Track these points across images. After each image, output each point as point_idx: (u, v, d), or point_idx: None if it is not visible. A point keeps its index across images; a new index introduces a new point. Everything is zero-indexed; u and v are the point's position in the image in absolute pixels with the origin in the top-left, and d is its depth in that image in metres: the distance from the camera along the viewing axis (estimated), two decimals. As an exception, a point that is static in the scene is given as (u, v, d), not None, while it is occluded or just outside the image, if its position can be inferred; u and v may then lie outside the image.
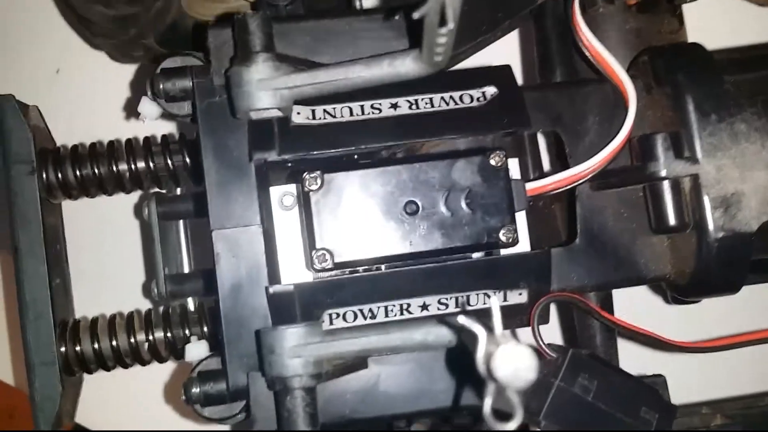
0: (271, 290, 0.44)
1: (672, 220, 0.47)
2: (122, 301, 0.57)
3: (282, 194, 0.47)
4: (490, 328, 0.31)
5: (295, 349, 0.41)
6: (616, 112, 0.49)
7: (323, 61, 0.46)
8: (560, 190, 0.48)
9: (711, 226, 0.46)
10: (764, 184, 0.46)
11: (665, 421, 0.43)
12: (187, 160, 0.53)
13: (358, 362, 0.44)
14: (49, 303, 0.50)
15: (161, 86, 0.46)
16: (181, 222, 0.56)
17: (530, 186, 0.47)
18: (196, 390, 0.45)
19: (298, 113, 0.45)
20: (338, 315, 0.44)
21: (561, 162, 0.51)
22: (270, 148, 0.45)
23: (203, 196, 0.46)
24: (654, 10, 0.54)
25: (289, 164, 0.46)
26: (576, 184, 0.48)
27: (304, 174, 0.44)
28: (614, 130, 0.48)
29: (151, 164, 0.53)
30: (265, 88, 0.43)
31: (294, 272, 0.46)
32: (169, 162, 0.53)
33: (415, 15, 0.33)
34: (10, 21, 0.63)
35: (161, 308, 0.54)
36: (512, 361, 0.29)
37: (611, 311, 0.51)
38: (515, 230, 0.45)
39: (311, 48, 0.47)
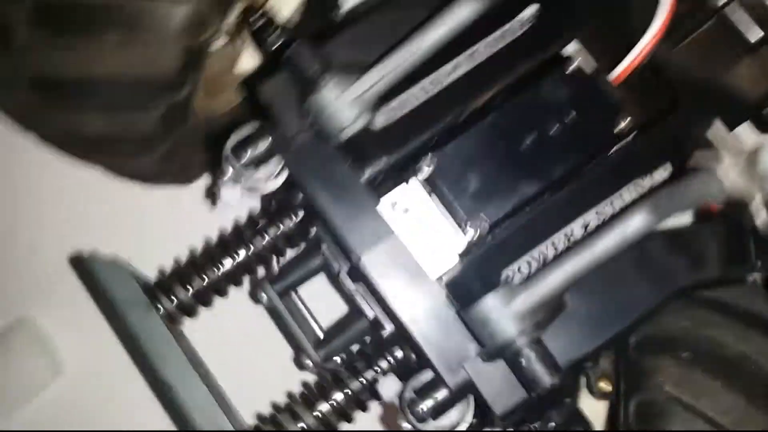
0: (444, 278, 0.43)
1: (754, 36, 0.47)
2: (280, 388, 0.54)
3: (392, 202, 0.45)
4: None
5: (504, 310, 0.40)
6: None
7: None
8: (644, 60, 0.47)
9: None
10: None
11: None
12: (293, 218, 0.50)
13: (559, 305, 0.43)
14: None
15: (238, 163, 0.45)
16: (293, 293, 0.54)
17: (614, 74, 0.47)
18: (422, 407, 0.43)
19: (381, 115, 0.45)
20: (513, 271, 0.44)
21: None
22: (374, 157, 0.44)
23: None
24: None
25: (393, 166, 0.45)
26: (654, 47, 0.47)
27: (418, 164, 0.44)
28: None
29: (258, 246, 0.51)
30: (345, 101, 0.43)
31: (442, 260, 0.44)
32: (278, 230, 0.51)
33: None
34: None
35: (324, 375, 0.52)
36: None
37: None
38: (626, 117, 0.46)
39: (360, 52, 0.46)
